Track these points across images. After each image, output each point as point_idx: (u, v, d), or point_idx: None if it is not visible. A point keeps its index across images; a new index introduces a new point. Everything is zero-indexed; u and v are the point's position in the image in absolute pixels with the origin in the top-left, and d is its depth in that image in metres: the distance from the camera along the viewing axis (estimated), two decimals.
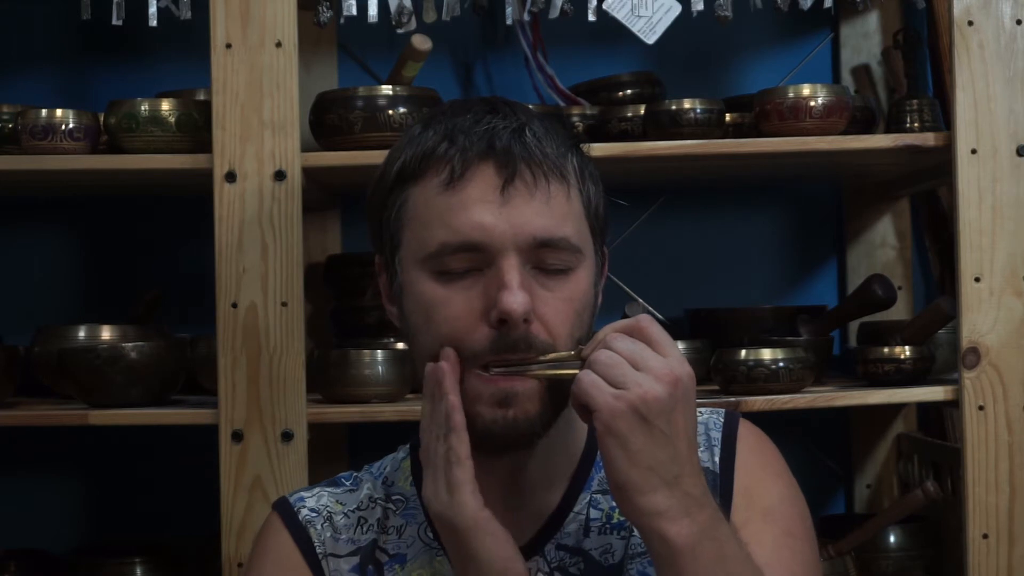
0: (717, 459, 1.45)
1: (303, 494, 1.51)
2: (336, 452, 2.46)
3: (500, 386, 1.34)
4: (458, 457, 1.31)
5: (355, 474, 1.54)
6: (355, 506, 1.49)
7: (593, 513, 1.44)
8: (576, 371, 1.31)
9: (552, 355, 1.34)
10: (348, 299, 2.35)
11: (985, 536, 2.06)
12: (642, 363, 1.28)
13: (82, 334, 2.25)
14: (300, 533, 1.47)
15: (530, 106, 2.17)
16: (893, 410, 2.53)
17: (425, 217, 1.37)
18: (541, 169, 1.36)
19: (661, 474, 1.26)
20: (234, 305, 2.02)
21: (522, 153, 1.35)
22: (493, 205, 1.34)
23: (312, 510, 1.48)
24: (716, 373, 2.16)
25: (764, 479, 1.45)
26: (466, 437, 1.32)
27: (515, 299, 1.32)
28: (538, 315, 1.35)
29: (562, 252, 1.36)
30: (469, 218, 1.34)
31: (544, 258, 1.36)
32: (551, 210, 1.36)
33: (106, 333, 2.26)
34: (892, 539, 2.30)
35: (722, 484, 1.44)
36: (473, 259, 1.35)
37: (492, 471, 1.39)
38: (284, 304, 2.02)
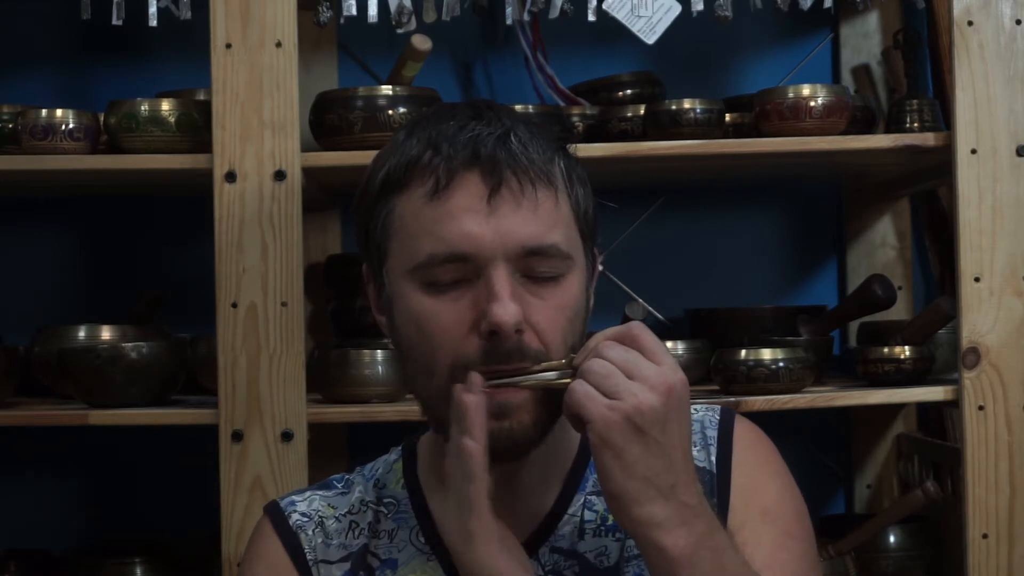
0: (714, 458, 1.44)
1: (295, 498, 1.49)
2: (336, 452, 2.46)
3: (494, 399, 1.32)
4: (474, 507, 1.28)
5: (347, 476, 1.51)
6: (346, 509, 1.47)
7: (588, 515, 1.42)
8: (569, 380, 1.29)
9: (545, 364, 1.32)
10: (348, 299, 2.35)
11: (985, 536, 2.06)
12: (635, 372, 1.26)
13: (82, 334, 2.26)
14: (290, 539, 1.45)
15: (529, 107, 2.20)
16: (893, 410, 2.53)
17: (412, 228, 1.35)
18: (527, 176, 1.33)
19: (657, 484, 1.25)
20: (234, 305, 2.02)
21: (508, 160, 1.33)
22: (480, 215, 1.32)
23: (303, 514, 1.46)
24: (716, 373, 2.16)
25: (762, 478, 1.44)
26: (484, 486, 1.29)
27: (505, 310, 1.30)
28: (530, 323, 1.33)
29: (552, 259, 1.34)
30: (456, 228, 1.32)
31: (534, 266, 1.33)
32: (539, 217, 1.33)
33: (106, 333, 2.27)
34: (892, 539, 2.30)
35: (719, 484, 1.42)
36: (462, 270, 1.33)
37: None
38: (284, 304, 2.02)
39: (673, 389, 1.27)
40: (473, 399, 1.29)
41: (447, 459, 1.32)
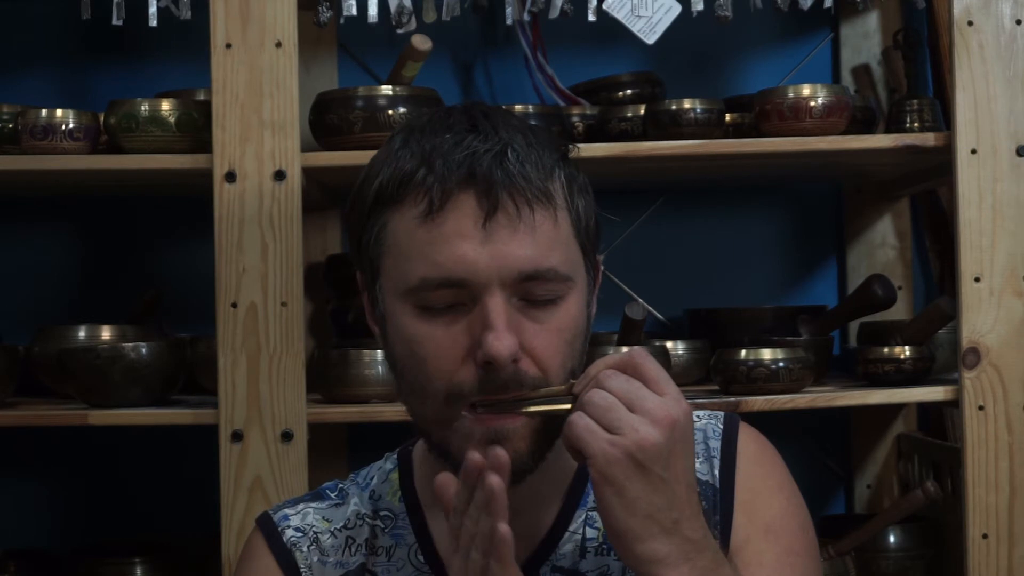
0: (717, 472, 1.41)
1: (287, 511, 1.46)
2: (336, 452, 2.46)
3: (490, 426, 1.29)
4: None
5: (340, 485, 1.48)
6: (342, 524, 1.44)
7: (589, 532, 1.40)
8: (568, 406, 1.27)
9: (544, 391, 1.29)
10: (348, 299, 2.35)
11: (985, 536, 2.06)
12: (637, 404, 1.23)
13: (82, 334, 2.26)
14: (285, 557, 1.42)
15: (529, 107, 2.20)
16: (893, 410, 2.53)
17: (405, 248, 1.30)
18: (524, 197, 1.28)
19: (660, 521, 1.22)
20: (234, 305, 2.02)
21: (504, 181, 1.28)
22: (475, 239, 1.27)
23: (297, 530, 1.44)
24: (716, 373, 2.16)
25: (765, 493, 1.41)
26: (513, 568, 1.21)
27: (501, 343, 1.26)
28: (528, 349, 1.29)
29: (550, 283, 1.30)
30: (450, 253, 1.27)
31: (531, 290, 1.29)
32: (536, 241, 1.29)
33: (106, 333, 2.27)
34: (892, 539, 2.30)
35: (722, 500, 1.40)
36: (456, 295, 1.28)
37: None
38: (284, 304, 2.02)
39: (676, 422, 1.23)
40: (498, 483, 1.18)
41: (452, 517, 1.24)
